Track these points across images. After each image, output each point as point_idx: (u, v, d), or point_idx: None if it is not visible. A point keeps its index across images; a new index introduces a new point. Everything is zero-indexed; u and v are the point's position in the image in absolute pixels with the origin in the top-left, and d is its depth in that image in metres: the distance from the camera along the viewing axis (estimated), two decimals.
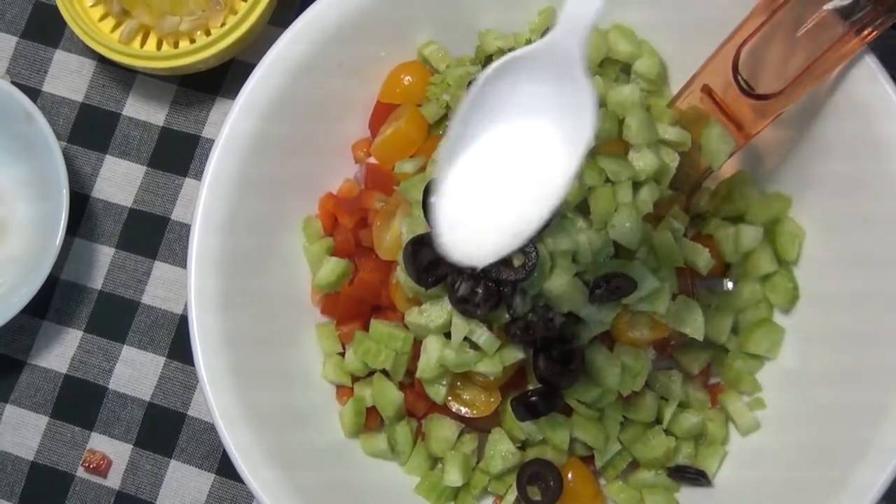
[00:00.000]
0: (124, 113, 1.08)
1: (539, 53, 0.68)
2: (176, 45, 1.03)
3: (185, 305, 1.03)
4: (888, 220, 0.87)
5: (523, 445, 0.91)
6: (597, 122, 0.68)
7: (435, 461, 0.93)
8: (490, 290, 0.82)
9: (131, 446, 1.03)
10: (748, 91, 0.85)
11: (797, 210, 0.93)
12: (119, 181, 1.07)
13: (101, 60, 1.08)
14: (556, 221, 0.80)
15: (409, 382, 0.92)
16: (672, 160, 0.88)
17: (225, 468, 1.01)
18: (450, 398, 0.89)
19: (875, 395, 0.85)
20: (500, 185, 0.70)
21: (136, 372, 1.04)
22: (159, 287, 1.05)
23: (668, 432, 0.90)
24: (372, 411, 0.93)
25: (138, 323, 1.05)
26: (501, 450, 0.89)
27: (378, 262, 0.91)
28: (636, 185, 0.86)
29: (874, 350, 0.87)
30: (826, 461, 0.86)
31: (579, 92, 0.68)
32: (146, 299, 1.05)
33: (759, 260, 0.93)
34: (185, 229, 1.05)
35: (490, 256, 0.70)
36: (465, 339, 0.85)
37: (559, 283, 0.83)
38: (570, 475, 0.90)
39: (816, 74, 0.84)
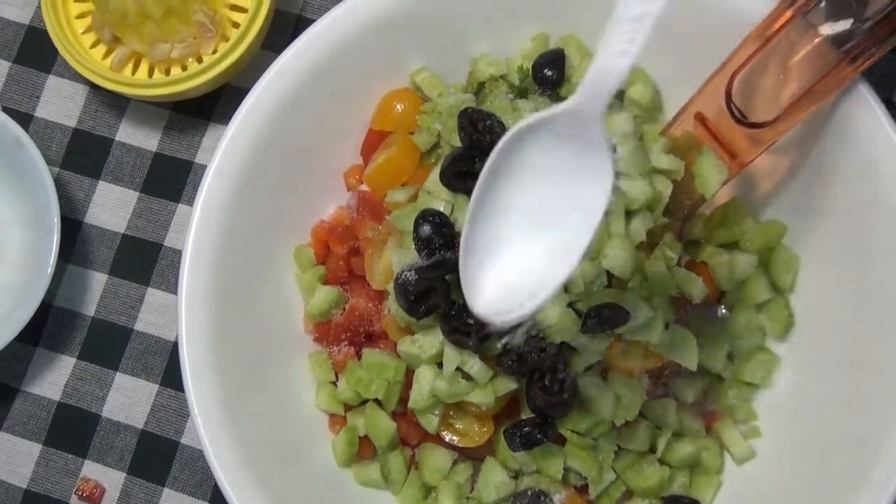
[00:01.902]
0: (117, 138, 1.07)
1: (560, 117, 0.67)
2: (167, 73, 1.03)
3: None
4: (883, 247, 0.86)
5: (517, 475, 0.90)
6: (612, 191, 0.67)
7: (428, 490, 0.93)
8: (481, 322, 0.81)
9: (124, 474, 1.03)
10: (741, 119, 0.85)
11: (792, 237, 0.93)
12: (112, 207, 1.06)
13: (94, 86, 1.08)
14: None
15: (402, 411, 0.91)
16: (665, 188, 0.87)
17: (218, 497, 1.00)
18: (443, 428, 0.88)
19: (871, 425, 0.84)
20: (520, 247, 0.70)
21: (129, 399, 1.04)
22: (152, 314, 1.04)
23: (662, 461, 0.90)
24: (365, 440, 0.93)
25: (131, 350, 1.04)
26: (495, 479, 0.89)
27: (370, 291, 0.91)
28: (629, 214, 0.85)
29: (870, 378, 0.86)
30: (822, 491, 0.86)
31: (598, 159, 0.67)
32: (139, 326, 1.04)
33: (754, 288, 0.92)
34: (179, 255, 1.03)
35: (510, 316, 0.70)
36: (458, 369, 0.84)
37: (552, 314, 0.83)
38: None
39: (810, 103, 0.84)
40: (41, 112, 1.09)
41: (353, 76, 0.94)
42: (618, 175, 0.84)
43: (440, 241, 0.81)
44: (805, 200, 0.91)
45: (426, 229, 0.81)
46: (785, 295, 0.93)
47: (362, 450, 0.93)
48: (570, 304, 0.84)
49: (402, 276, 0.82)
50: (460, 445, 0.89)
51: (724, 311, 0.95)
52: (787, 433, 0.91)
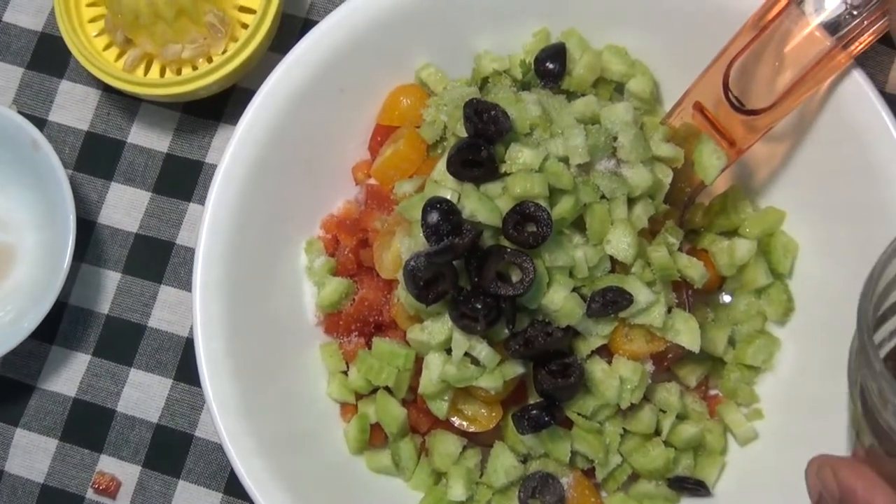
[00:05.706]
0: (129, 140, 1.10)
1: None
2: (179, 73, 1.05)
3: (191, 328, 1.04)
4: (881, 231, 0.87)
5: (525, 459, 0.92)
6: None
7: (439, 476, 0.94)
8: (489, 306, 0.83)
9: (140, 467, 1.04)
10: (739, 107, 0.87)
11: (790, 223, 0.95)
12: (125, 207, 1.09)
13: (106, 90, 1.10)
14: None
15: (412, 399, 0.93)
16: (666, 176, 0.89)
17: (232, 487, 1.02)
18: (452, 413, 0.90)
19: None
20: None
21: (143, 394, 1.05)
22: (165, 310, 1.06)
23: (667, 443, 0.91)
24: (376, 428, 0.94)
25: (145, 346, 1.06)
26: (504, 463, 0.90)
27: (379, 282, 0.93)
28: (631, 201, 0.87)
29: None
30: None
31: None
32: (152, 322, 1.06)
33: (754, 273, 0.94)
34: (190, 253, 1.06)
35: None
36: (466, 354, 0.86)
37: (557, 298, 0.84)
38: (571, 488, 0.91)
39: (805, 89, 0.86)
40: (54, 116, 1.11)
41: (359, 73, 0.96)
42: (619, 163, 0.87)
43: (448, 227, 0.82)
44: (802, 186, 0.93)
45: (434, 216, 0.83)
46: (784, 280, 0.95)
47: (374, 437, 0.95)
48: (574, 289, 0.86)
49: (411, 263, 0.84)
50: (470, 430, 0.90)
51: (725, 297, 0.97)
52: (789, 414, 0.93)
